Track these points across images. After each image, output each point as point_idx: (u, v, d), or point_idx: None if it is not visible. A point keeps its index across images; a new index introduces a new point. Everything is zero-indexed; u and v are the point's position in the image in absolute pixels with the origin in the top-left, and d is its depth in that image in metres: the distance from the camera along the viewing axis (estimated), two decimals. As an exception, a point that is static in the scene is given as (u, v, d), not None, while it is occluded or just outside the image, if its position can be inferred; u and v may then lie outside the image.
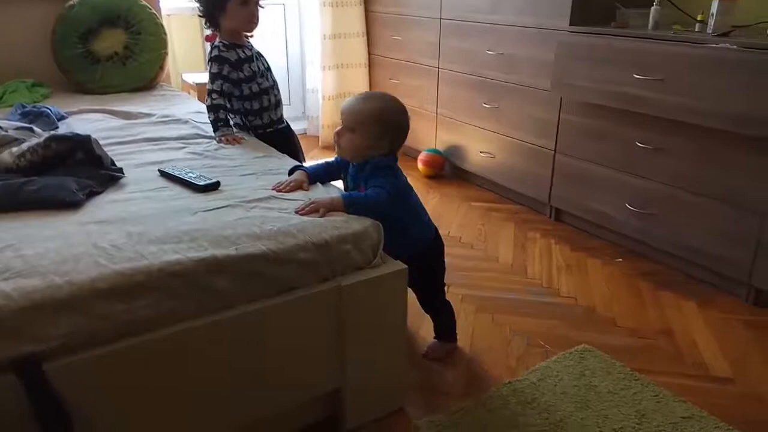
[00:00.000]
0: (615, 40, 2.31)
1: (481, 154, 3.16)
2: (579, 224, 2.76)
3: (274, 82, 2.28)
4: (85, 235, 1.27)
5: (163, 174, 1.69)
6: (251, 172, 1.74)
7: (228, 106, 2.17)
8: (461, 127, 3.29)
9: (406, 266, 1.47)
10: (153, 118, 2.34)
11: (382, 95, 1.67)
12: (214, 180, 1.60)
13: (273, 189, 1.58)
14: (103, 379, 1.14)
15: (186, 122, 2.27)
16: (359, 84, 4.05)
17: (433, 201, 3.10)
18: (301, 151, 2.46)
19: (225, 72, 2.12)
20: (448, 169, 3.47)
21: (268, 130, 2.29)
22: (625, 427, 1.53)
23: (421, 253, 1.68)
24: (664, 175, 2.31)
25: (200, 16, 2.20)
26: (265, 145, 2.09)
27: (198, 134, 2.15)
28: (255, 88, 2.20)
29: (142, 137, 2.07)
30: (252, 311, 1.28)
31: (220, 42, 2.15)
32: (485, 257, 2.50)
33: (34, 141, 1.62)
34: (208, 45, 2.45)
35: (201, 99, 3.22)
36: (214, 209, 1.43)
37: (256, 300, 1.29)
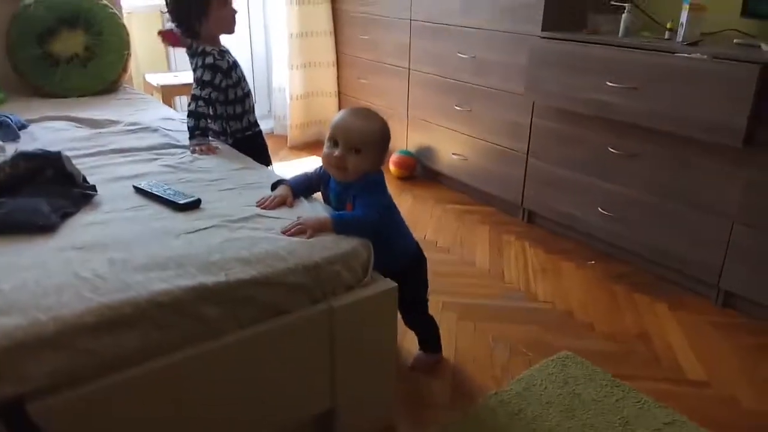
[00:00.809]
0: (588, 47, 2.33)
1: (454, 156, 3.17)
2: (551, 227, 2.80)
3: (249, 87, 2.24)
4: (64, 263, 1.21)
5: (139, 191, 1.63)
6: (231, 186, 1.70)
7: (210, 113, 2.11)
8: (433, 128, 3.29)
9: (395, 284, 1.45)
10: (120, 126, 2.25)
11: (372, 112, 1.60)
12: (194, 198, 1.55)
13: (257, 205, 1.54)
14: (92, 416, 1.09)
15: (156, 130, 2.20)
16: (328, 83, 4.00)
17: (407, 203, 3.10)
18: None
19: (217, 81, 2.07)
20: (419, 170, 3.47)
21: (246, 133, 2.25)
22: (610, 436, 1.56)
23: (403, 268, 1.67)
24: (635, 180, 2.36)
25: (176, 25, 2.12)
26: (241, 155, 2.04)
27: (170, 144, 2.08)
28: (239, 92, 2.16)
29: (110, 148, 1.98)
30: (242, 338, 1.24)
31: (213, 49, 2.08)
32: (462, 261, 2.51)
33: (0, 159, 1.54)
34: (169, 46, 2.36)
35: (166, 101, 3.13)
36: (198, 231, 1.39)
37: (246, 326, 1.26)
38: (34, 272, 1.17)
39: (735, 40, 2.22)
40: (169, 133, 2.19)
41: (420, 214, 2.97)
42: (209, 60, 2.07)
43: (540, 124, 2.68)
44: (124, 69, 2.87)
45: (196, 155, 1.98)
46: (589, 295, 2.26)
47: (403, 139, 3.52)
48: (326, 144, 1.57)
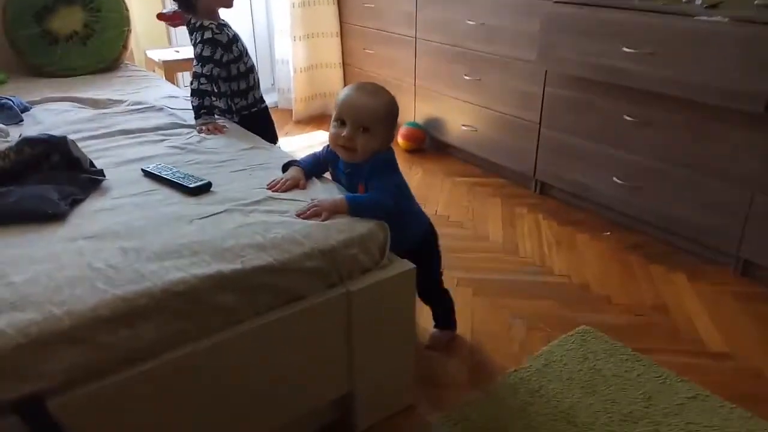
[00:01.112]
0: (601, 12, 2.25)
1: (463, 128, 3.11)
2: (564, 197, 2.75)
3: (253, 62, 2.18)
4: (76, 254, 1.18)
5: (147, 174, 1.59)
6: (240, 167, 1.66)
7: (215, 90, 2.06)
8: (441, 99, 3.22)
9: (413, 266, 1.42)
10: (124, 106, 2.20)
11: (378, 86, 1.53)
12: (204, 180, 1.51)
13: (269, 188, 1.50)
14: (112, 410, 1.07)
15: (161, 110, 2.15)
16: (332, 55, 3.92)
17: (416, 177, 3.05)
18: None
19: (217, 56, 2.01)
20: (428, 142, 3.41)
21: (252, 110, 2.21)
22: (633, 412, 1.55)
23: (416, 245, 1.64)
24: (651, 149, 2.30)
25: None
26: (248, 133, 1.99)
27: (176, 123, 2.03)
28: (242, 67, 2.11)
29: (116, 129, 1.94)
30: (259, 326, 1.22)
31: (211, 23, 2.02)
32: (475, 236, 2.47)
33: (4, 145, 1.50)
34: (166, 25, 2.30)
35: (169, 78, 3.06)
36: (210, 216, 1.35)
37: (263, 313, 1.24)
38: (46, 264, 1.14)
39: (756, 2, 2.13)
40: (175, 112, 2.14)
41: (430, 188, 2.93)
42: (207, 34, 2.01)
43: (552, 93, 2.61)
44: (125, 46, 2.81)
45: (203, 135, 1.93)
46: (604, 267, 2.23)
47: (411, 111, 3.45)
48: (332, 124, 1.51)
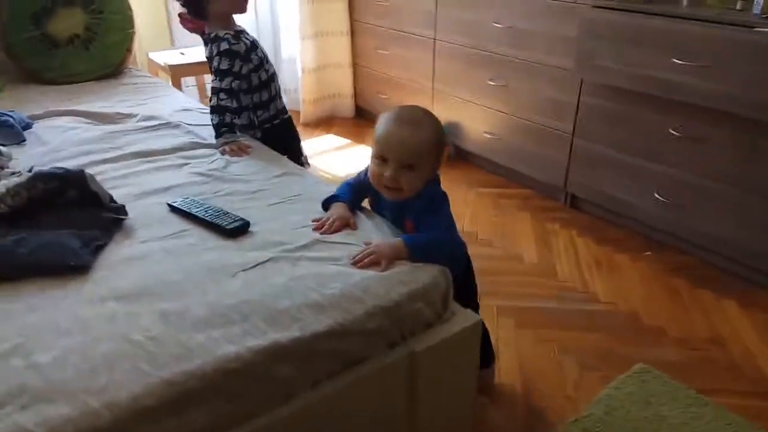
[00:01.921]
0: (649, 19, 2.10)
1: (486, 135, 2.96)
2: (598, 212, 2.62)
3: (274, 69, 2.01)
4: (109, 321, 1.03)
5: (174, 209, 1.43)
6: (276, 200, 1.50)
7: (235, 105, 1.89)
8: (461, 104, 3.07)
9: (479, 318, 1.28)
10: (136, 121, 2.03)
11: (419, 111, 1.38)
12: (241, 220, 1.35)
13: (315, 229, 1.35)
14: None
15: (177, 126, 1.97)
16: (341, 54, 3.74)
17: (438, 187, 2.90)
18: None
19: (236, 68, 1.84)
20: (452, 151, 3.25)
21: (275, 122, 2.05)
22: (710, 469, 1.43)
23: (459, 276, 1.49)
24: (697, 165, 2.17)
25: (182, 4, 1.88)
26: (276, 155, 1.83)
27: (196, 143, 1.86)
28: (263, 76, 1.95)
29: (130, 151, 1.77)
30: (316, 398, 1.07)
31: (227, 33, 1.85)
32: (508, 256, 2.33)
33: (14, 180, 1.32)
34: (181, 26, 2.12)
35: (175, 83, 2.88)
36: (255, 266, 1.19)
37: (320, 382, 1.09)
38: (76, 337, 0.98)
39: (818, 11, 1.99)
40: (193, 128, 1.96)
41: (454, 201, 2.71)
42: (224, 45, 1.84)
43: (589, 103, 2.46)
44: (129, 50, 2.62)
45: (227, 157, 1.77)
46: (650, 293, 2.10)
47: (428, 115, 3.29)
48: (373, 161, 1.35)
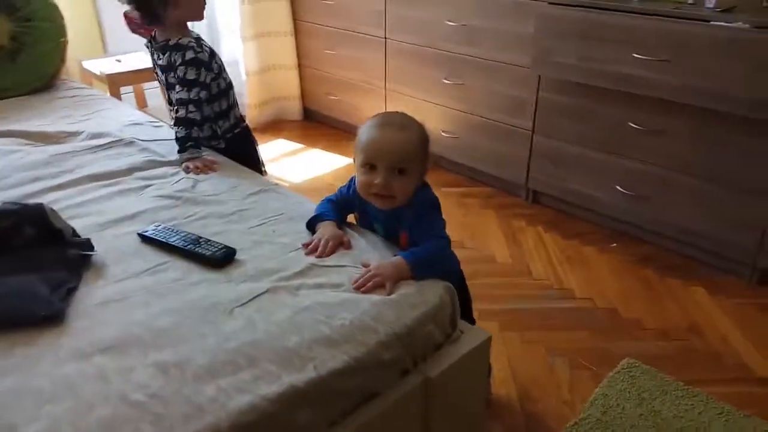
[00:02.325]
0: (606, 15, 2.12)
1: (444, 134, 2.92)
2: (560, 206, 2.64)
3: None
4: (99, 379, 0.91)
5: (146, 239, 1.30)
6: (258, 221, 1.39)
7: (200, 119, 1.77)
8: (417, 104, 3.02)
9: (489, 334, 1.23)
10: (82, 140, 1.85)
11: (402, 115, 1.33)
12: (225, 247, 1.24)
13: (309, 253, 1.26)
14: None
15: (131, 143, 1.82)
16: (286, 55, 3.60)
17: (398, 190, 2.84)
18: None
19: (202, 77, 1.72)
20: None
21: (236, 131, 1.94)
22: (711, 462, 1.44)
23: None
24: (658, 157, 2.21)
25: (134, 7, 1.74)
26: (246, 170, 1.72)
27: (154, 161, 1.71)
28: (222, 84, 1.85)
29: (84, 174, 1.61)
30: (336, 439, 0.99)
31: (190, 41, 1.72)
32: (482, 258, 2.31)
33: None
34: (116, 24, 1.96)
35: (114, 94, 2.68)
36: (252, 300, 1.10)
37: (336, 422, 1.01)
38: (64, 403, 0.86)
39: (765, 4, 2.07)
40: (148, 145, 1.81)
41: (417, 202, 2.73)
42: (190, 54, 1.72)
43: (547, 98, 2.47)
44: (63, 60, 2.41)
45: (192, 176, 1.64)
46: (623, 285, 2.13)
47: (382, 116, 3.22)
48: (359, 170, 1.29)
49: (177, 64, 1.72)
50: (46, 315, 1.02)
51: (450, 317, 1.19)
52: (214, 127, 1.85)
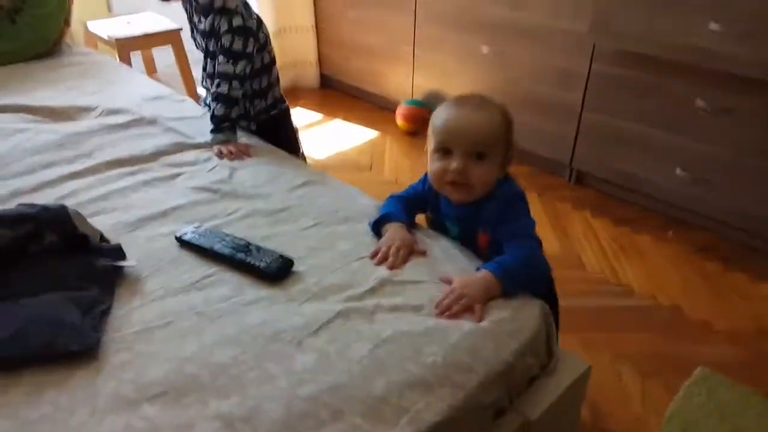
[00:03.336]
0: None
1: (479, 107, 2.71)
2: (607, 189, 2.45)
3: None
4: (153, 440, 0.74)
5: (185, 244, 1.12)
6: (310, 221, 1.21)
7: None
8: (449, 73, 2.79)
9: (588, 366, 1.06)
10: (96, 116, 1.64)
11: (480, 96, 1.17)
12: (280, 257, 1.06)
13: (377, 263, 1.07)
14: None
15: (153, 122, 1.61)
16: (303, 16, 3.34)
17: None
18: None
19: (250, 48, 1.51)
20: (431, 122, 2.98)
21: (272, 112, 1.73)
22: (811, 492, 1.30)
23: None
24: (726, 138, 2.02)
25: None
26: (286, 155, 1.52)
27: (181, 143, 1.51)
28: (266, 58, 1.64)
29: (103, 160, 1.41)
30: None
31: (237, 4, 1.50)
32: (527, 246, 2.13)
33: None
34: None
35: (124, 60, 2.45)
36: (322, 327, 0.92)
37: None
38: (112, 476, 0.69)
39: None
40: (173, 124, 1.61)
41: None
42: (237, 21, 1.50)
43: (601, 71, 2.25)
44: (67, 22, 2.17)
45: (226, 162, 1.44)
46: (685, 280, 1.96)
47: (409, 87, 3.00)
48: (432, 156, 1.14)
49: (222, 31, 1.49)
50: (80, 349, 0.84)
51: (547, 345, 1.02)
52: (248, 107, 1.65)
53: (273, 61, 1.66)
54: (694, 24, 1.88)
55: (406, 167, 2.61)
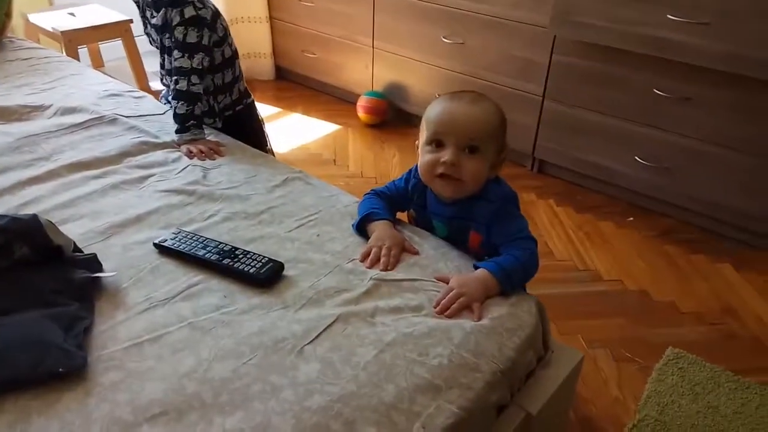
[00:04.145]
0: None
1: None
2: (569, 177, 2.50)
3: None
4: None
5: (165, 250, 1.06)
6: (295, 222, 1.17)
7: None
8: (408, 64, 2.78)
9: (581, 354, 1.08)
10: (51, 116, 1.54)
11: (474, 92, 1.17)
12: (270, 261, 1.02)
13: (369, 266, 1.05)
14: None
15: (113, 120, 1.52)
16: (256, 7, 3.25)
17: (393, 159, 2.63)
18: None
19: (205, 40, 1.43)
20: (391, 114, 2.96)
21: (237, 107, 1.66)
22: (782, 462, 1.37)
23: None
24: (685, 127, 2.08)
25: None
26: (259, 153, 1.47)
27: (146, 143, 1.44)
28: (227, 52, 1.57)
29: (64, 163, 1.32)
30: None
31: None
32: (496, 236, 2.15)
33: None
34: None
35: (70, 54, 2.31)
36: (322, 333, 0.89)
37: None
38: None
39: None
40: (134, 122, 1.53)
41: (417, 173, 2.53)
42: (189, 12, 1.43)
43: (561, 62, 2.28)
44: (8, 15, 2.03)
45: (197, 161, 1.38)
46: (649, 263, 2.02)
47: (368, 78, 2.97)
48: (423, 149, 1.12)
49: (174, 23, 1.42)
50: (66, 370, 0.79)
51: (543, 338, 1.02)
52: (212, 102, 1.58)
53: (235, 54, 1.60)
54: (652, 15, 1.92)
55: (370, 160, 2.59)
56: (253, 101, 1.73)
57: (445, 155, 1.07)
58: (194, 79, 1.43)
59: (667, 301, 1.87)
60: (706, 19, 1.83)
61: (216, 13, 1.52)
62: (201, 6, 1.45)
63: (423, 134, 1.13)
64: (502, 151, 1.14)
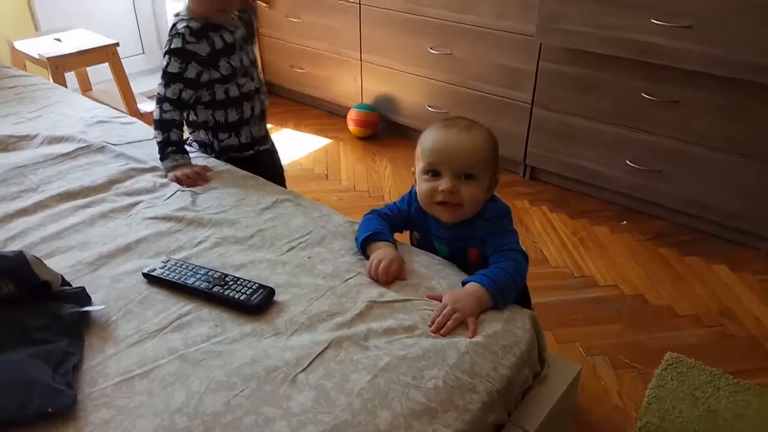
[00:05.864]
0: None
1: (429, 109, 2.71)
2: (561, 183, 2.50)
3: (261, 82, 1.60)
4: (151, 506, 0.68)
5: (154, 280, 1.05)
6: (286, 245, 1.16)
7: (181, 119, 1.47)
8: (398, 76, 2.78)
9: (579, 366, 1.07)
10: (38, 145, 1.53)
11: (466, 120, 1.19)
12: (261, 287, 1.01)
13: (374, 278, 1.06)
14: None
15: (101, 148, 1.51)
16: (243, 24, 3.26)
17: (386, 171, 2.62)
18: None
19: (188, 74, 1.41)
20: (381, 126, 2.96)
21: (246, 153, 1.61)
22: (785, 466, 1.36)
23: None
24: (673, 130, 2.09)
25: None
26: (247, 174, 1.46)
27: (134, 169, 1.43)
28: (233, 91, 1.51)
29: (53, 193, 1.31)
30: None
31: (186, 23, 1.41)
32: (491, 245, 2.15)
33: None
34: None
35: (58, 81, 2.30)
36: (315, 360, 0.88)
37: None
38: None
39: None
40: (122, 149, 1.52)
41: (405, 186, 2.53)
42: (176, 43, 1.42)
43: (550, 69, 2.29)
44: (-8, 42, 2.02)
45: (184, 188, 1.37)
46: (644, 267, 2.02)
47: (357, 91, 2.97)
48: (421, 177, 1.16)
49: (164, 52, 1.42)
50: (56, 410, 0.78)
51: (539, 353, 1.02)
52: (211, 139, 1.55)
53: (245, 96, 1.54)
54: (636, 20, 1.93)
55: (363, 173, 2.58)
56: (270, 151, 1.69)
57: (443, 184, 1.11)
58: (166, 106, 1.42)
59: (663, 305, 1.86)
60: (689, 23, 1.84)
61: (221, 51, 1.47)
62: (193, 40, 1.43)
63: (419, 163, 1.17)
64: (496, 173, 1.18)
